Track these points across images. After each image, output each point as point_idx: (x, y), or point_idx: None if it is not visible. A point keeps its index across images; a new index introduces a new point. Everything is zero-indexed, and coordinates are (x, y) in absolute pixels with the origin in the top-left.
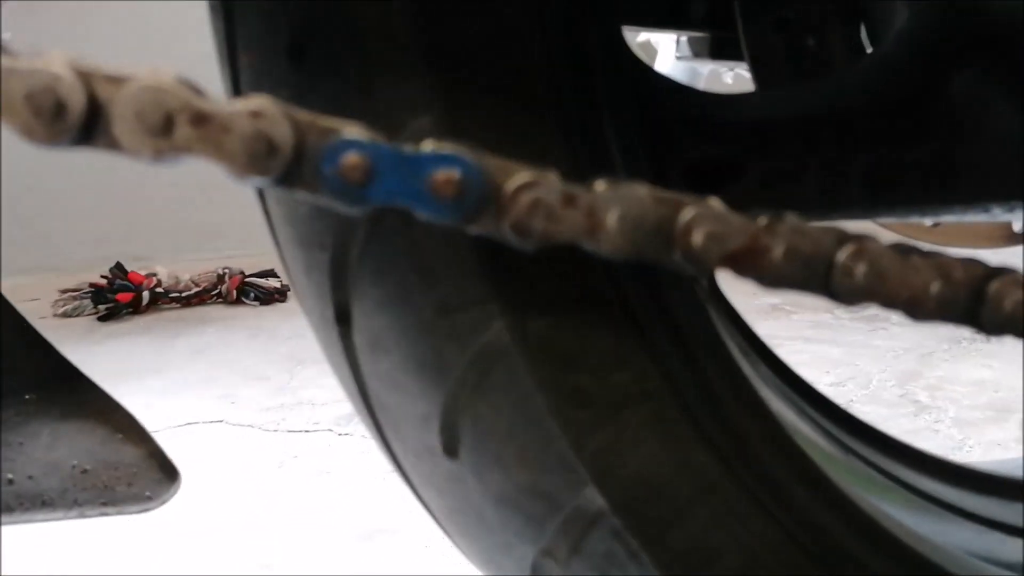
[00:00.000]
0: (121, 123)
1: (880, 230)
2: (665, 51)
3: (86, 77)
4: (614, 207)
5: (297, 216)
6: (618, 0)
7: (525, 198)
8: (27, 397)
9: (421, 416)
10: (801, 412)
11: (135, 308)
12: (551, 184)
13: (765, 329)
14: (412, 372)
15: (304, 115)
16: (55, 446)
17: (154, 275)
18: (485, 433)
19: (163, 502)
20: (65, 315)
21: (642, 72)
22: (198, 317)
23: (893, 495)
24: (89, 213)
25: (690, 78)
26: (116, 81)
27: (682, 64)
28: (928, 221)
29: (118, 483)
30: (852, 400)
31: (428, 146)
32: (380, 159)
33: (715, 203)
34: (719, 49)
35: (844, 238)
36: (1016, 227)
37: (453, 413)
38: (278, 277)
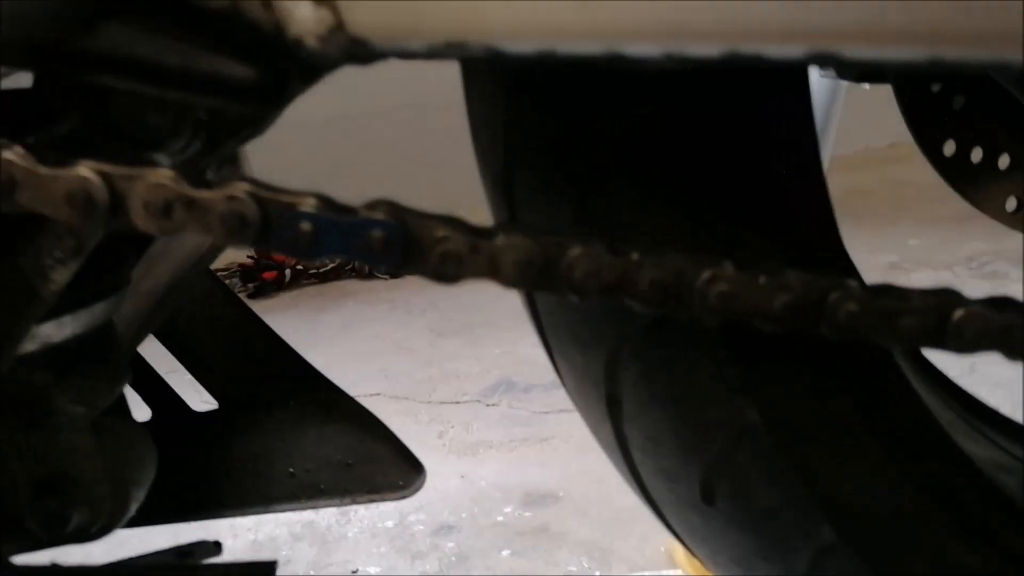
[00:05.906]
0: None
1: None
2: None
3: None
4: (507, 253)
5: (573, 320)
6: None
7: (438, 249)
8: (291, 403)
9: (683, 480)
10: None
11: (279, 285)
12: (458, 237)
13: None
14: (675, 449)
15: (268, 194)
16: (322, 444)
17: None
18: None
19: (415, 490)
20: None
21: None
22: (337, 292)
23: None
24: None
25: (832, 90)
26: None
27: (826, 81)
28: None
29: (376, 475)
30: (977, 362)
31: (360, 214)
32: (324, 226)
33: (597, 244)
34: (863, 73)
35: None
36: None
37: (710, 482)
38: None
